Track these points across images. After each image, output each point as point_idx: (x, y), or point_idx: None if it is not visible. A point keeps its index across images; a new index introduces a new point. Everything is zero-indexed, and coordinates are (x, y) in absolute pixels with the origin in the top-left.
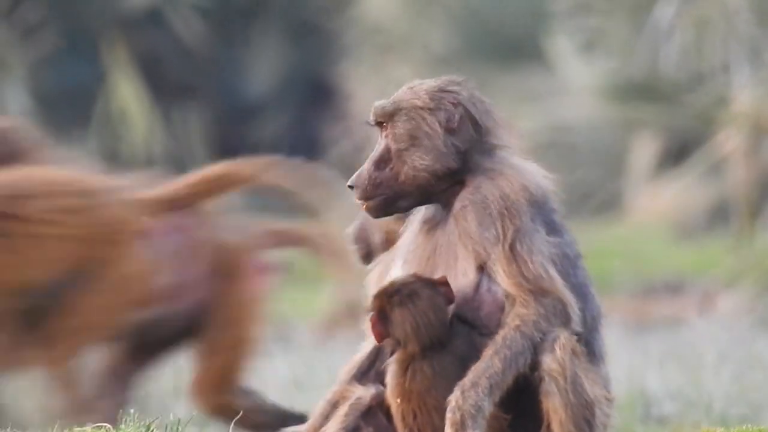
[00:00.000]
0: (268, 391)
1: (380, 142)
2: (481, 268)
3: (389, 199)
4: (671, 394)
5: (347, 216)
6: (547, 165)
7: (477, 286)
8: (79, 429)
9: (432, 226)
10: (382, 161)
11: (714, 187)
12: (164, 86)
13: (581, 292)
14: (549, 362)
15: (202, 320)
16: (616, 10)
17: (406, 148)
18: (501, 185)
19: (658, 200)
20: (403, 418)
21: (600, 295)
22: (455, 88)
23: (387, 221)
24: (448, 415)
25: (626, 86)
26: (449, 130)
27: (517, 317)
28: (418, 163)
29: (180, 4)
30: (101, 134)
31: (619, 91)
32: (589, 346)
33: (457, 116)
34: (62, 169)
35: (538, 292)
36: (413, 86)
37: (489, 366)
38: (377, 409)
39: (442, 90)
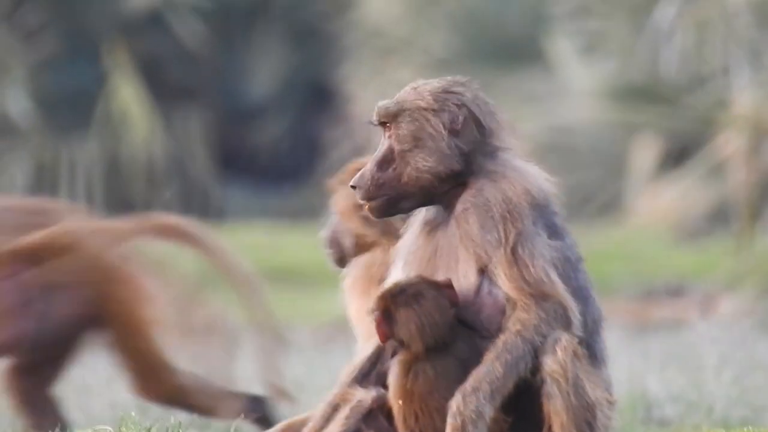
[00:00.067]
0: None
1: (383, 142)
2: (482, 271)
3: (392, 199)
4: (672, 397)
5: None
6: (548, 167)
7: (477, 289)
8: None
9: (433, 227)
10: (385, 162)
11: (714, 189)
12: (165, 89)
13: (582, 295)
14: (550, 364)
15: (93, 326)
16: (617, 13)
17: (410, 149)
18: (503, 188)
19: (659, 202)
20: (405, 420)
21: (601, 298)
22: (459, 89)
23: (358, 226)
24: (450, 420)
25: (626, 88)
26: (453, 132)
27: (518, 321)
28: (422, 164)
29: (181, 6)
30: (102, 136)
31: (620, 93)
32: (590, 348)
33: (461, 118)
34: None
35: (540, 296)
36: (417, 87)
37: (490, 371)
38: (378, 412)
39: (446, 91)
